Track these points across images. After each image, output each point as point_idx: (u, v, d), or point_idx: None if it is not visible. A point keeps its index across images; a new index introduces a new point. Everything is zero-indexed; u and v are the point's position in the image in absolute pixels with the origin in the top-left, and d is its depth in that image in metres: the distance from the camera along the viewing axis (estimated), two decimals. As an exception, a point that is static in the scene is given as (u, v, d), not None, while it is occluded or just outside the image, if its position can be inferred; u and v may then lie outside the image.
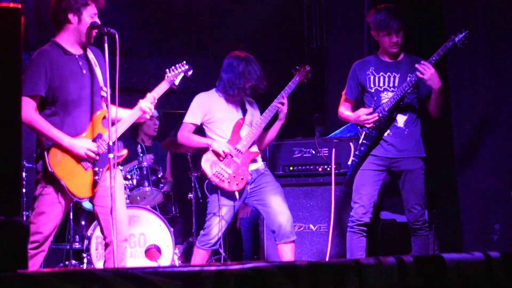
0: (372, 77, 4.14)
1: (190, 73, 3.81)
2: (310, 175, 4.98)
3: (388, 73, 4.13)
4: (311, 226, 4.91)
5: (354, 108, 4.28)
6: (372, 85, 4.14)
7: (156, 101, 3.62)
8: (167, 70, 3.75)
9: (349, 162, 4.20)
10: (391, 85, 4.10)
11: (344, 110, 4.28)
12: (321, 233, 4.89)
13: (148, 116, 3.59)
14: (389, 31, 4.03)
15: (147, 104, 3.56)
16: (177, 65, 3.78)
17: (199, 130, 4.46)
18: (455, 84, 4.50)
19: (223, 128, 4.34)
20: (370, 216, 4.07)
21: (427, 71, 3.87)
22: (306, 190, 4.97)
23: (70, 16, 3.39)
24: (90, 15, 3.42)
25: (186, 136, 4.39)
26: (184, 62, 3.81)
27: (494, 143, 4.26)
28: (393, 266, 1.94)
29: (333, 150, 4.53)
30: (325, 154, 4.93)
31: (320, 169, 4.94)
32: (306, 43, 6.69)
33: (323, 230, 4.89)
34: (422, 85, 4.05)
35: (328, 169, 4.89)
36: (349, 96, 4.29)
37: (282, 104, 4.31)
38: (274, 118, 4.41)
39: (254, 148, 4.37)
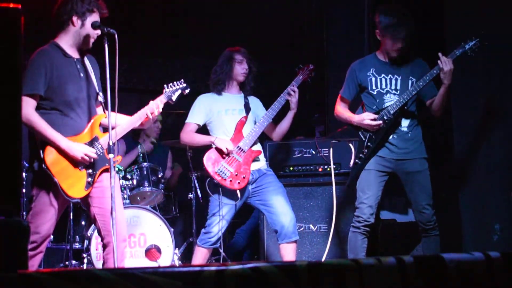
0: (373, 79, 4.13)
1: (187, 91, 3.81)
2: (310, 175, 4.97)
3: (390, 75, 4.11)
4: (311, 226, 4.91)
5: (351, 108, 4.27)
6: (374, 87, 4.12)
7: (160, 108, 3.64)
8: (165, 85, 3.77)
9: (351, 164, 4.18)
10: (393, 87, 4.09)
11: (344, 111, 4.24)
12: (321, 233, 4.89)
13: (151, 120, 3.62)
14: (395, 38, 3.99)
15: (151, 109, 3.60)
16: (175, 82, 3.80)
17: (204, 131, 4.46)
18: (455, 85, 4.49)
19: (226, 127, 4.34)
20: (374, 217, 4.08)
21: (447, 65, 3.85)
22: (306, 190, 4.97)
23: (74, 18, 3.41)
24: (92, 22, 3.43)
25: (188, 135, 4.39)
26: (182, 80, 3.83)
27: (493, 143, 4.26)
28: (393, 266, 1.94)
29: (331, 150, 4.54)
30: (325, 154, 4.92)
31: (320, 169, 4.94)
32: (306, 43, 6.68)
33: (323, 230, 4.88)
34: (426, 88, 4.02)
35: (328, 169, 4.89)
36: (347, 96, 4.26)
37: (290, 94, 4.29)
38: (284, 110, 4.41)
39: (257, 147, 4.36)
